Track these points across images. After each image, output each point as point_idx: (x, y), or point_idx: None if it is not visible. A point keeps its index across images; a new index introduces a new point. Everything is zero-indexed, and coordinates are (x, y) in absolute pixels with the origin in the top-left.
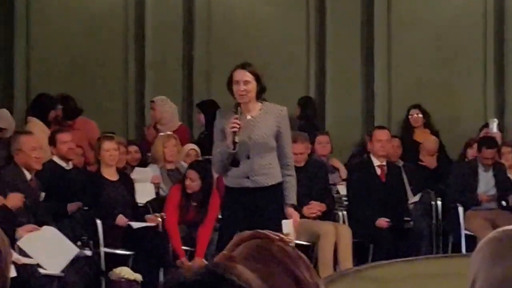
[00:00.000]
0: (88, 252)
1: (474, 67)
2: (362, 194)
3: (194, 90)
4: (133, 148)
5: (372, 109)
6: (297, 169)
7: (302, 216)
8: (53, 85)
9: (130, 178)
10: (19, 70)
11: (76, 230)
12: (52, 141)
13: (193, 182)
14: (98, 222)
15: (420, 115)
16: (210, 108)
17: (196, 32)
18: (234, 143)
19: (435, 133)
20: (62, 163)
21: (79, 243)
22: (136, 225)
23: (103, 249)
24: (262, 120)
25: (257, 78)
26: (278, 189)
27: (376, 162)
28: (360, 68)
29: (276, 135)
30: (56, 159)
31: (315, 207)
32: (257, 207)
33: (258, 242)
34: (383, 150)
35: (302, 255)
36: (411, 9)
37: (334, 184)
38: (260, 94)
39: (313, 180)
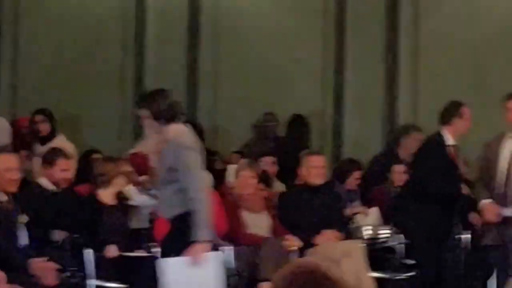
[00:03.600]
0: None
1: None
2: None
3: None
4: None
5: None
6: None
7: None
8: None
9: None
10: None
11: (64, 260)
12: (48, 162)
13: None
14: (89, 251)
15: None
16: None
17: (202, 44)
18: None
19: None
20: (49, 186)
21: (67, 274)
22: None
23: (94, 282)
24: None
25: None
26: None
27: None
28: (383, 91)
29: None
30: (43, 181)
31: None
32: None
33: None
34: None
35: None
36: (440, 23)
37: None
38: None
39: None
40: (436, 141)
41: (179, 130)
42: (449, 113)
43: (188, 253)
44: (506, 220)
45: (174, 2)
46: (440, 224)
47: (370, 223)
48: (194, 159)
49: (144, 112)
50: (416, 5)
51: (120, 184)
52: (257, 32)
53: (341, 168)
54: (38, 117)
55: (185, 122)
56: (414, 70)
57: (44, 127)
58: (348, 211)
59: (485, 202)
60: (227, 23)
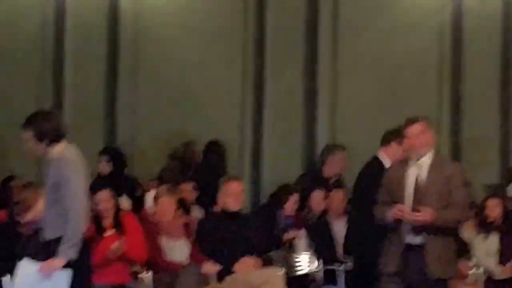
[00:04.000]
0: None
1: (429, 111)
2: None
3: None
4: None
5: (313, 156)
6: None
7: None
8: None
9: None
10: None
11: None
12: None
13: None
14: (7, 278)
15: None
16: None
17: (120, 73)
18: None
19: None
20: None
21: None
22: None
23: None
24: None
25: None
26: None
27: None
28: (302, 111)
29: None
30: None
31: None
32: None
33: None
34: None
35: None
36: (358, 46)
37: None
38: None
39: None
40: (376, 165)
41: (63, 150)
42: (390, 136)
43: (43, 264)
44: (409, 247)
45: (93, 32)
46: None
47: (303, 247)
48: (76, 179)
49: (28, 133)
50: (335, 28)
51: (40, 211)
52: (176, 59)
53: (277, 194)
54: None
55: (106, 148)
56: (333, 93)
57: None
58: (285, 237)
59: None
60: (145, 50)
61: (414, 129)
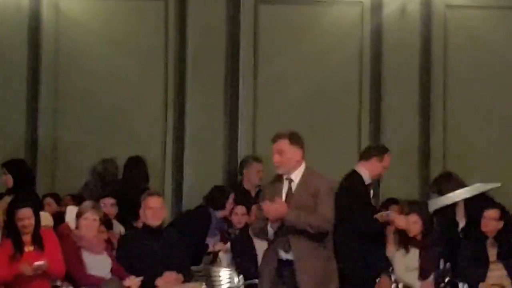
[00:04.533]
0: None
1: (350, 126)
2: None
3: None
4: None
5: (235, 173)
6: None
7: None
8: None
9: None
10: None
11: None
12: None
13: None
14: None
15: None
16: (18, 169)
17: (41, 90)
18: None
19: None
20: None
21: None
22: None
23: None
24: None
25: None
26: None
27: None
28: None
29: None
30: None
31: None
32: None
33: None
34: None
35: None
36: (279, 64)
37: None
38: None
39: None
40: (356, 179)
41: None
42: (372, 152)
43: None
44: (283, 264)
45: (13, 48)
46: (375, 259)
47: (226, 261)
48: None
49: None
50: (256, 50)
51: None
52: (98, 76)
53: (214, 196)
54: None
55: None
56: (253, 113)
57: None
58: (210, 248)
59: None
60: (66, 68)
61: (278, 146)
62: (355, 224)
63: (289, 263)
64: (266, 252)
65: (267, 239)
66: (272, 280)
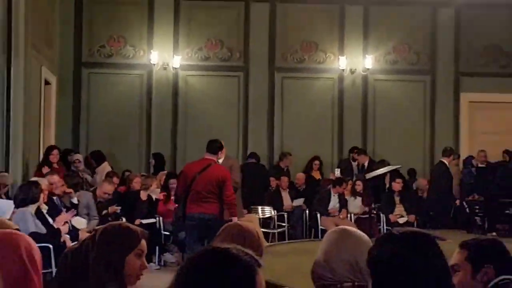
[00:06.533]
0: None
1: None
2: None
3: None
4: None
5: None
6: None
7: None
8: None
9: None
10: None
11: None
12: None
13: None
14: None
15: None
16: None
17: None
18: None
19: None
20: None
21: None
22: None
23: None
24: None
25: None
26: None
27: None
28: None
29: None
30: None
31: None
32: None
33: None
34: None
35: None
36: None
37: None
38: None
39: None
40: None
41: None
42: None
43: None
44: None
45: (165, 103)
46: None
47: None
48: None
49: None
50: None
51: None
52: (211, 125)
53: None
54: None
55: None
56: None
57: None
58: None
59: None
60: (194, 113)
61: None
62: None
63: None
64: None
65: None
66: None
